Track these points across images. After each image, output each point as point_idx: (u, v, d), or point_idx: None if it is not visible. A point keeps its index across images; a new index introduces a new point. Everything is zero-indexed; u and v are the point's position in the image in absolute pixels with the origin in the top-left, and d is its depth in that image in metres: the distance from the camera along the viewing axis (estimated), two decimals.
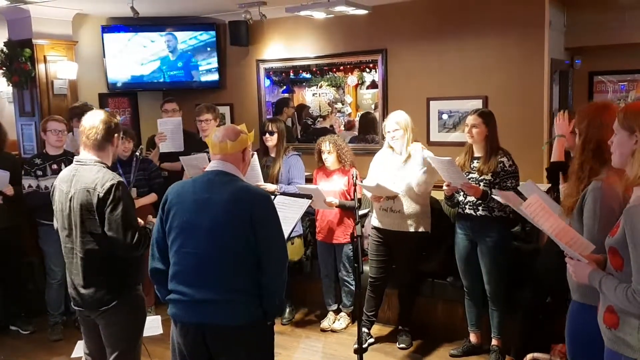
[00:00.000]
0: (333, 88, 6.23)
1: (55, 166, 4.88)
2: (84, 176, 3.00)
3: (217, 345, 2.62)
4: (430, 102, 5.60)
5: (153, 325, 3.86)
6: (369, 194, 4.58)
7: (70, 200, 3.01)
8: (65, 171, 3.15)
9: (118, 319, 3.07)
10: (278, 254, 2.67)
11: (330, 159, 4.89)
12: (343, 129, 6.22)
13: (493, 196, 3.82)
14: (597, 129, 2.59)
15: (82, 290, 3.06)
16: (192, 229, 2.61)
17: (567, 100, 6.25)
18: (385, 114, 5.43)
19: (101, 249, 2.99)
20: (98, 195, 2.93)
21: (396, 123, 4.41)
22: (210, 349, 2.64)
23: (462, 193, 4.22)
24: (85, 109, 5.38)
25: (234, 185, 2.65)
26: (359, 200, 4.17)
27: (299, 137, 6.52)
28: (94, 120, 3.07)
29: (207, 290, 2.58)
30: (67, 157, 4.93)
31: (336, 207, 4.81)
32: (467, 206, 4.22)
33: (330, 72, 6.21)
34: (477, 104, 5.24)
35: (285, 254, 2.73)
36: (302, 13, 5.06)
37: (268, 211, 2.65)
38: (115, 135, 3.12)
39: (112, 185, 2.94)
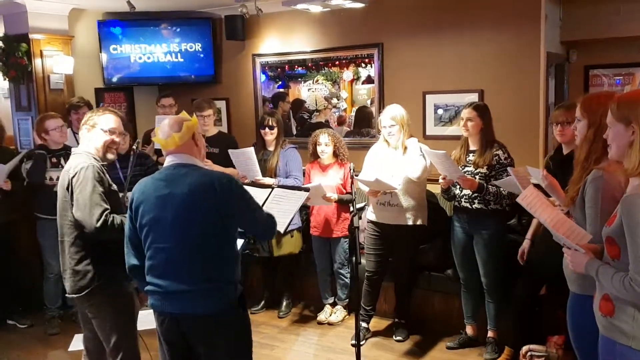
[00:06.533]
0: (329, 83, 6.22)
1: (54, 160, 4.90)
2: (69, 162, 3.16)
3: (193, 335, 2.66)
4: (427, 96, 5.59)
5: (148, 319, 3.88)
6: (365, 189, 4.54)
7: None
8: None
9: (99, 310, 3.12)
10: (263, 223, 2.83)
11: (327, 152, 4.88)
12: (337, 124, 6.22)
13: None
14: None
15: (64, 275, 3.15)
16: (159, 225, 2.64)
17: (563, 93, 6.26)
18: (381, 107, 5.41)
19: (76, 233, 3.07)
20: (69, 176, 3.03)
21: (392, 119, 4.39)
22: (187, 339, 2.68)
23: (458, 186, 4.23)
24: (80, 103, 5.43)
25: (193, 176, 2.65)
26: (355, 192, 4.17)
27: (295, 131, 6.51)
28: None
29: (179, 282, 2.61)
30: (66, 152, 4.93)
31: (335, 202, 4.81)
32: (463, 199, 4.24)
33: (325, 67, 6.20)
34: (473, 97, 5.23)
35: (270, 220, 2.88)
36: (299, 6, 5.06)
37: (232, 190, 2.65)
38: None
39: (81, 168, 3.02)
